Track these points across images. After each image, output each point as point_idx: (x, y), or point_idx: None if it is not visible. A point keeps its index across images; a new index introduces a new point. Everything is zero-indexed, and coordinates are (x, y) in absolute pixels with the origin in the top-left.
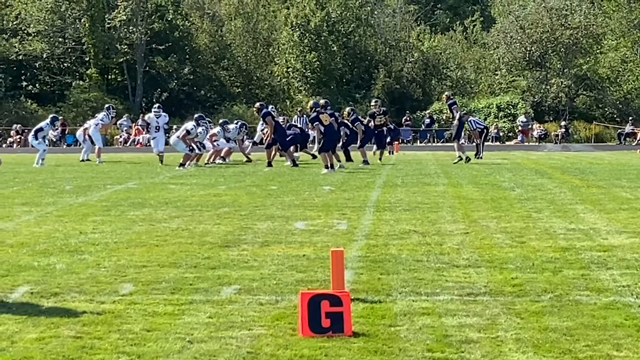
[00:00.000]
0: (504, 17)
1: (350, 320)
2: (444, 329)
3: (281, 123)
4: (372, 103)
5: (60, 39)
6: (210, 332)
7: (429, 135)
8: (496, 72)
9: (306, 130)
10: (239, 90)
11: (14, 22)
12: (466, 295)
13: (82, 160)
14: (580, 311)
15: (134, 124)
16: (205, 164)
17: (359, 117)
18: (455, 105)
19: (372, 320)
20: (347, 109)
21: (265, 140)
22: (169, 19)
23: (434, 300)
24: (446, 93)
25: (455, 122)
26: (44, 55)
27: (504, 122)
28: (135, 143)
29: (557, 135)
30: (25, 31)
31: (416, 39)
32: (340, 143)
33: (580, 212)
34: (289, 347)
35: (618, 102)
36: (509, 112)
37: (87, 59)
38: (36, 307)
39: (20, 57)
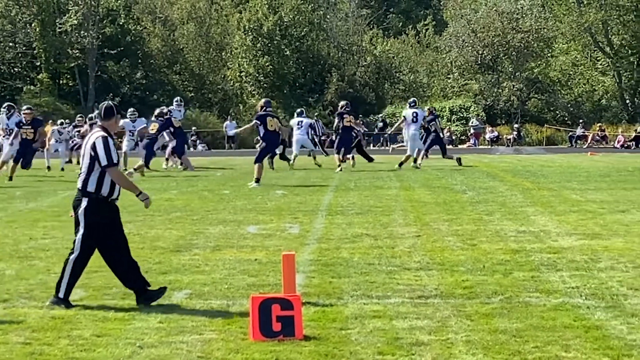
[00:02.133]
0: (456, 21)
1: (301, 323)
2: (394, 332)
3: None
4: (341, 104)
5: (10, 44)
6: (161, 337)
7: (382, 138)
8: (448, 76)
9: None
10: (192, 94)
11: None
12: (417, 298)
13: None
14: (529, 313)
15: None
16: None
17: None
18: (434, 122)
19: (323, 323)
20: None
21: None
22: (121, 23)
23: (385, 303)
24: (428, 108)
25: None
26: None
27: (457, 125)
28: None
29: (509, 139)
30: None
31: (369, 43)
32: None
33: (531, 214)
34: (240, 351)
35: (569, 105)
36: (462, 115)
37: (38, 63)
38: None
39: None
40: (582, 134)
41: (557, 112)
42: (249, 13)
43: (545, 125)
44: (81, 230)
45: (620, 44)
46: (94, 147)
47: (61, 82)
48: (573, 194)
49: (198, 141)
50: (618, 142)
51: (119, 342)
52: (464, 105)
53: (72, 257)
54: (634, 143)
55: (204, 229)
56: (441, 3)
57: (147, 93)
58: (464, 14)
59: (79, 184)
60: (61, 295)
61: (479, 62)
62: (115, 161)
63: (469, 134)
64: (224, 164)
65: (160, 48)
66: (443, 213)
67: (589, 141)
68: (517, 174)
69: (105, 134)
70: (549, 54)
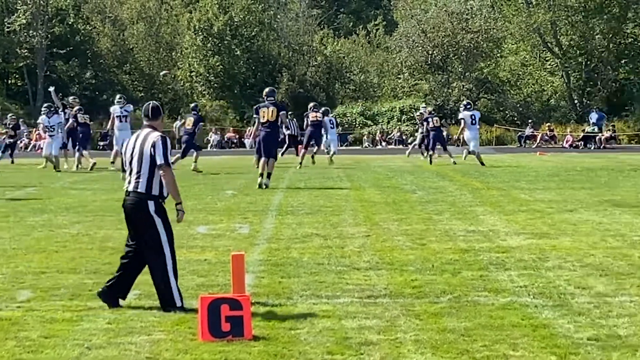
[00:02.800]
0: (406, 21)
1: (250, 324)
2: (344, 332)
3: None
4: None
5: None
6: (109, 338)
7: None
8: (399, 76)
9: (297, 133)
10: (142, 94)
11: None
12: (366, 298)
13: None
14: (478, 312)
15: (34, 129)
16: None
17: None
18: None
19: (273, 323)
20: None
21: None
22: (70, 22)
23: (335, 303)
24: (428, 109)
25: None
26: None
27: (407, 125)
28: (36, 148)
29: (458, 139)
30: None
31: (319, 43)
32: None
33: (480, 214)
34: (189, 352)
35: (518, 105)
36: (412, 115)
37: None
38: None
39: None
40: (531, 133)
41: (507, 112)
42: (199, 13)
43: (495, 125)
44: (162, 232)
45: (568, 45)
46: (154, 146)
47: (9, 81)
48: (522, 194)
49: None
50: (567, 142)
51: (67, 344)
52: (414, 105)
53: (167, 263)
54: (582, 143)
55: None
56: (391, 3)
57: (97, 93)
58: (414, 14)
59: (140, 187)
60: (179, 304)
61: (429, 62)
62: (170, 162)
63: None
64: (175, 163)
65: (109, 48)
66: (393, 213)
67: (537, 141)
68: (466, 174)
69: (163, 134)
70: (498, 54)
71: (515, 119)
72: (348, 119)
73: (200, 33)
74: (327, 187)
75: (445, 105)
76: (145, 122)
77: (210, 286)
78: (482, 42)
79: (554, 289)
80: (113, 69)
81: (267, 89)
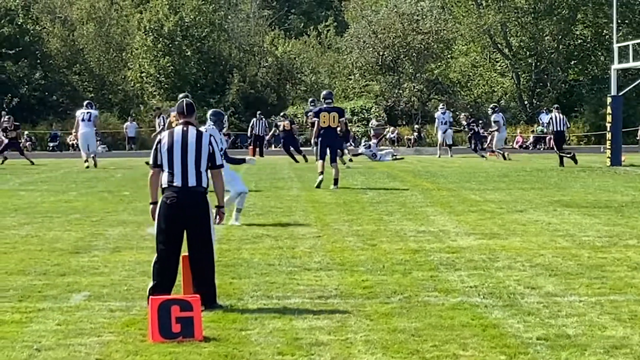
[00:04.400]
0: (357, 22)
1: (200, 324)
2: (294, 332)
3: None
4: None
5: None
6: (59, 340)
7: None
8: (350, 77)
9: (264, 134)
10: (92, 95)
11: None
12: (317, 298)
13: None
14: (428, 312)
15: None
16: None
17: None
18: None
19: (223, 324)
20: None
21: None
22: (19, 23)
23: (285, 304)
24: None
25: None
26: None
27: (358, 126)
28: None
29: (409, 139)
30: None
31: (270, 43)
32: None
33: (430, 214)
34: (139, 353)
35: (469, 106)
36: (363, 116)
37: None
38: None
39: None
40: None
41: (457, 113)
42: (149, 13)
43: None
44: (213, 228)
45: (518, 46)
46: (211, 144)
47: None
48: (472, 194)
49: (98, 142)
50: (517, 142)
51: (16, 345)
52: (365, 106)
53: (213, 255)
54: (532, 144)
55: (104, 231)
56: (342, 4)
57: (47, 94)
58: (365, 15)
59: (197, 182)
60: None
61: (380, 63)
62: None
63: (370, 134)
64: (124, 165)
65: (59, 48)
66: (344, 213)
67: (488, 142)
68: (417, 175)
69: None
70: (449, 56)
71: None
72: (299, 120)
73: (150, 33)
74: (278, 187)
75: (396, 106)
76: (181, 120)
77: None
78: (432, 43)
79: (503, 289)
80: (63, 69)
81: (325, 92)
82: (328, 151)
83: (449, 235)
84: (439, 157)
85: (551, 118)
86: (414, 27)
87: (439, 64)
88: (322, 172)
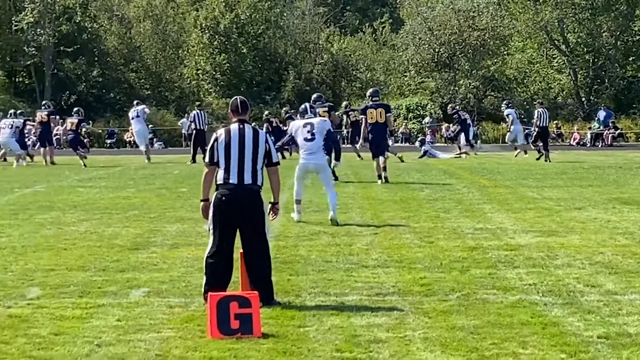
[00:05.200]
0: (413, 19)
1: (259, 321)
2: (352, 329)
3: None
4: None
5: None
6: (119, 335)
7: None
8: (405, 74)
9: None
10: (149, 92)
11: None
12: (375, 295)
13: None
14: (487, 310)
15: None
16: None
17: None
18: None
19: (282, 321)
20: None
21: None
22: (77, 20)
23: (343, 301)
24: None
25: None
26: None
27: (414, 123)
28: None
29: (442, 137)
30: None
31: (326, 40)
32: None
33: (487, 211)
34: (198, 349)
35: (525, 103)
36: (418, 113)
37: None
38: None
39: None
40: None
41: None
42: (205, 11)
43: (502, 123)
44: (266, 223)
45: (575, 42)
46: (267, 141)
47: (17, 80)
48: (529, 192)
49: (155, 139)
50: (574, 139)
51: (77, 341)
52: (420, 103)
53: (269, 252)
54: (589, 141)
55: (162, 227)
56: (397, 1)
57: (104, 91)
58: (421, 12)
59: (254, 180)
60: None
61: (436, 60)
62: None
63: (425, 131)
64: (181, 161)
65: (116, 46)
66: (400, 210)
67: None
68: (473, 172)
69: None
70: (505, 52)
71: (522, 116)
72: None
73: (206, 31)
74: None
75: (452, 103)
76: (235, 118)
77: None
78: (488, 40)
79: (563, 287)
80: (120, 67)
81: (371, 90)
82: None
83: (507, 233)
84: (516, 155)
85: (539, 113)
86: (470, 24)
87: (495, 60)
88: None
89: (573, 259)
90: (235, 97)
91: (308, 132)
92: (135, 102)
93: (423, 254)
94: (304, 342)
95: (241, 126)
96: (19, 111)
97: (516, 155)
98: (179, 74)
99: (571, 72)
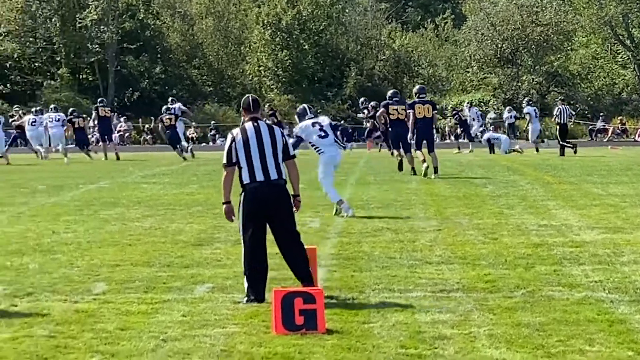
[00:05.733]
0: (475, 15)
1: (323, 317)
2: (417, 325)
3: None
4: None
5: (31, 39)
6: (184, 331)
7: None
8: (467, 70)
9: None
10: (211, 89)
11: None
12: (439, 292)
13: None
14: (552, 307)
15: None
16: None
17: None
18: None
19: (346, 317)
20: None
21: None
22: (140, 18)
23: (407, 297)
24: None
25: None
26: (15, 55)
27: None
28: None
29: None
30: None
31: (387, 36)
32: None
33: (552, 208)
34: (263, 345)
35: (589, 99)
36: (480, 109)
37: (58, 58)
38: (9, 307)
39: None
40: (602, 127)
41: (577, 105)
42: (267, 7)
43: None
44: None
45: None
46: (283, 135)
47: (81, 77)
48: (594, 188)
49: (217, 135)
50: (639, 135)
51: (143, 336)
52: (483, 99)
53: (303, 244)
54: None
55: (225, 223)
56: None
57: (167, 88)
58: (483, 7)
59: (280, 175)
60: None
61: (498, 55)
62: None
63: (489, 127)
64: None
65: (179, 42)
66: (463, 207)
67: (609, 135)
68: (537, 168)
69: None
70: (568, 47)
71: (586, 112)
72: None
73: (268, 27)
74: (396, 180)
75: (515, 99)
76: (247, 116)
77: (282, 280)
78: (552, 35)
79: (629, 284)
80: (182, 63)
81: (418, 87)
82: (424, 141)
83: (572, 229)
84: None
85: (559, 110)
86: (533, 19)
87: (559, 56)
88: (424, 160)
89: (639, 255)
90: (247, 95)
91: (320, 129)
92: (169, 100)
93: (487, 250)
94: (369, 339)
95: (255, 124)
96: (52, 106)
97: (537, 151)
98: (241, 70)
99: (636, 67)
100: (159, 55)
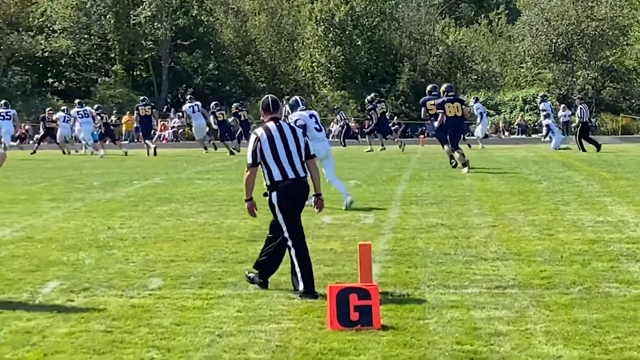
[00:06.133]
0: (529, 9)
1: (378, 313)
2: (472, 322)
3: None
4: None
5: (85, 36)
6: (239, 326)
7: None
8: (522, 65)
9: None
10: (264, 85)
11: (40, 19)
12: (495, 288)
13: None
14: (609, 303)
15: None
16: None
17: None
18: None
19: (401, 313)
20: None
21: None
22: (194, 14)
23: (463, 293)
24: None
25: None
26: (70, 52)
27: (530, 115)
28: (161, 139)
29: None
30: (51, 28)
31: (441, 32)
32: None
33: (608, 204)
34: (318, 341)
35: None
36: (535, 105)
37: (112, 55)
38: (66, 302)
39: (46, 54)
40: None
41: (633, 101)
42: (320, 3)
43: (621, 114)
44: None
45: None
46: (304, 135)
47: (135, 73)
48: None
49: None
50: None
51: (198, 331)
52: (537, 95)
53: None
54: None
55: None
56: None
57: (220, 84)
58: (538, 2)
59: (304, 171)
60: None
61: (553, 50)
62: None
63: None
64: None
65: (232, 39)
66: (518, 203)
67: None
68: (593, 164)
69: None
70: (624, 42)
71: None
72: (470, 109)
73: (321, 23)
74: (450, 176)
75: (569, 94)
76: (267, 116)
77: (337, 275)
78: (607, 30)
79: None
80: (235, 59)
81: (446, 85)
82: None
83: (629, 226)
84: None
85: (581, 109)
86: (589, 14)
87: (614, 51)
88: (463, 154)
89: None
90: (266, 95)
91: (315, 122)
92: (188, 97)
93: (543, 246)
94: (424, 335)
95: (277, 124)
96: (77, 101)
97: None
98: (294, 66)
99: None
100: (212, 52)
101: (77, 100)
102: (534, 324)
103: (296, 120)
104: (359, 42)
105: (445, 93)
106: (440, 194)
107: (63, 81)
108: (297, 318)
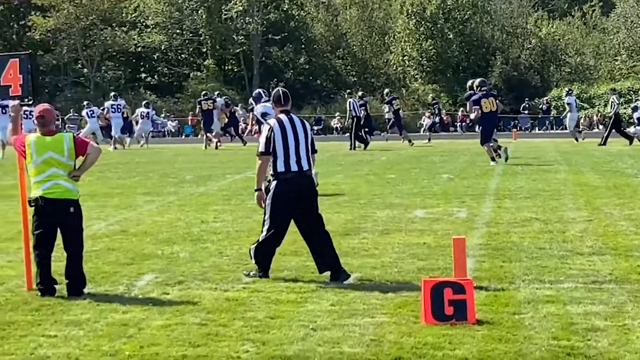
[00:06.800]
0: (624, 1)
1: (473, 307)
2: (569, 317)
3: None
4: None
5: (177, 31)
6: (334, 320)
7: (547, 122)
8: (616, 58)
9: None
10: (355, 79)
11: (133, 15)
12: (591, 283)
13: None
14: None
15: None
16: None
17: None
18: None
19: (496, 308)
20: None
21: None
22: (285, 9)
23: (558, 288)
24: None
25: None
26: (162, 47)
27: (625, 108)
28: (253, 133)
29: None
30: (144, 23)
31: (534, 25)
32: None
33: None
34: (412, 335)
35: None
36: (629, 97)
37: (204, 50)
38: (161, 295)
39: (139, 49)
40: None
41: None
42: None
43: None
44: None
45: None
46: (312, 129)
47: (226, 68)
48: None
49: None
50: None
51: (292, 324)
52: (632, 88)
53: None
54: None
55: (372, 213)
56: None
57: (311, 78)
58: None
59: (308, 164)
60: None
61: None
62: None
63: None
64: (386, 147)
65: (323, 33)
66: (614, 197)
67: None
68: None
69: None
70: None
71: None
72: (563, 102)
73: (412, 17)
74: (544, 170)
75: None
76: (278, 109)
77: (430, 269)
78: None
79: None
80: (326, 54)
81: (479, 80)
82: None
83: None
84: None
85: (612, 102)
86: None
87: None
88: (499, 146)
89: None
90: (277, 88)
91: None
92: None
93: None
94: (520, 330)
95: (289, 116)
96: (112, 94)
97: (583, 139)
98: (385, 60)
99: None
100: (303, 46)
101: (112, 94)
102: (632, 319)
103: (264, 113)
104: (451, 36)
105: (479, 88)
106: (534, 187)
107: (155, 76)
108: (391, 312)
